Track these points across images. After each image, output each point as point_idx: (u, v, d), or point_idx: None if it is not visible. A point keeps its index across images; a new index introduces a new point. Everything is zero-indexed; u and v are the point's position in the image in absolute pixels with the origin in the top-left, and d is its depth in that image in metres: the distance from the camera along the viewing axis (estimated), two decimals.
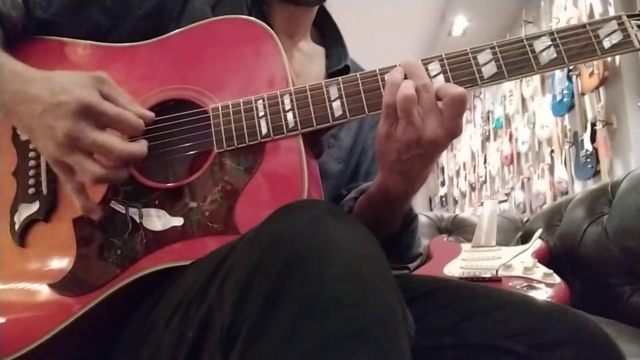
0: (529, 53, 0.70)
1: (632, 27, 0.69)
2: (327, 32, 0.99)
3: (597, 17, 2.95)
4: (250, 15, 0.86)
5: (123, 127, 0.68)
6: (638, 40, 0.69)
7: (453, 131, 0.68)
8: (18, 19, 0.77)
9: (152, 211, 0.70)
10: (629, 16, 0.70)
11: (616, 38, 0.69)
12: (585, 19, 3.12)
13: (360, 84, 0.71)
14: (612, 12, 2.82)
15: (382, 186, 0.79)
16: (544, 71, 0.70)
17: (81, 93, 0.64)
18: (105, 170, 0.66)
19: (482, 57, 0.70)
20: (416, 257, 0.90)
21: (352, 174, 0.98)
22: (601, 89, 3.05)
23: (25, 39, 0.79)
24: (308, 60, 0.93)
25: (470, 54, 0.71)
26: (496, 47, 0.70)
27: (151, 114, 0.71)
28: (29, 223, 0.72)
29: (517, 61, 0.70)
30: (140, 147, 0.69)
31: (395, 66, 0.71)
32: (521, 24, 4.12)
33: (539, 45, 0.70)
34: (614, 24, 0.69)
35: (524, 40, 0.70)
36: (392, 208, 0.83)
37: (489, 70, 0.70)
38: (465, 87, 0.68)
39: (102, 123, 0.66)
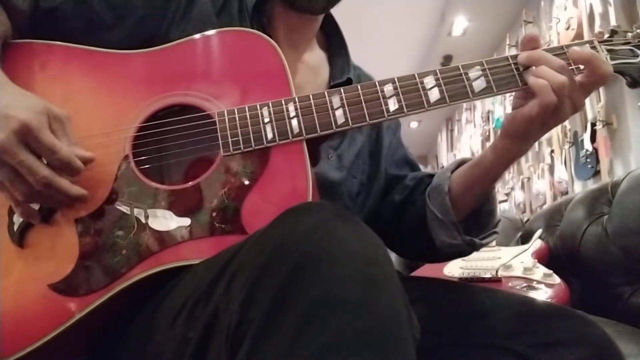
0: (514, 70, 0.76)
1: (603, 51, 0.77)
2: (332, 39, 0.99)
3: (597, 17, 2.97)
4: (251, 26, 0.87)
5: (52, 157, 0.67)
6: (608, 62, 0.76)
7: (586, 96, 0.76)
8: (26, 8, 0.79)
9: (158, 212, 0.71)
10: (600, 41, 0.79)
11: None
12: (585, 19, 3.12)
13: (361, 94, 0.76)
14: (612, 12, 2.82)
15: (507, 155, 0.81)
16: (528, 87, 0.76)
17: (28, 115, 0.65)
18: (30, 189, 0.67)
19: (473, 73, 0.76)
20: (497, 223, 0.91)
21: (371, 179, 0.98)
22: (601, 89, 3.04)
23: (31, 34, 0.80)
24: (311, 72, 0.94)
25: (461, 69, 0.76)
26: (485, 64, 0.76)
27: (90, 155, 0.71)
28: (29, 223, 0.72)
29: (503, 77, 0.76)
30: (67, 185, 0.69)
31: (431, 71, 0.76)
32: (521, 24, 4.11)
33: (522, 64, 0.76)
34: (587, 48, 0.77)
35: (509, 59, 0.77)
36: (503, 173, 0.85)
37: (479, 84, 0.76)
38: (459, 100, 0.75)
39: (36, 149, 0.66)
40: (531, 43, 0.76)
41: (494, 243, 1.72)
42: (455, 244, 0.86)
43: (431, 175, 0.95)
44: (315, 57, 0.96)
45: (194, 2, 0.87)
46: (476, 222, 0.88)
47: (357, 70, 1.02)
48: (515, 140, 0.78)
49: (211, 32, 0.81)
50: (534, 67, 0.75)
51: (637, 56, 0.78)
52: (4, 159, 0.65)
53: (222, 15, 0.89)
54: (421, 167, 1.09)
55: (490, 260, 1.59)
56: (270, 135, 0.73)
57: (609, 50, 0.78)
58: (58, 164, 0.68)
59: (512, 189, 4.44)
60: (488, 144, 5.10)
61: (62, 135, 0.69)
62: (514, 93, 0.79)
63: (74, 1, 0.82)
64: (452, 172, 0.89)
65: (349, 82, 0.92)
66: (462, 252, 0.89)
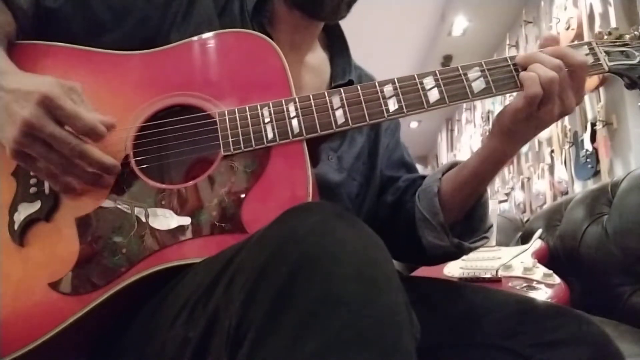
0: (513, 71, 0.76)
1: (601, 52, 0.78)
2: (333, 38, 0.99)
3: (597, 17, 2.97)
4: (251, 26, 0.88)
5: (77, 124, 0.68)
6: (606, 63, 0.78)
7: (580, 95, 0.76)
8: (28, 8, 0.79)
9: (159, 211, 0.71)
10: (598, 43, 0.79)
11: (588, 61, 0.77)
12: (585, 19, 3.12)
13: (361, 94, 0.76)
14: (612, 12, 2.82)
15: (494, 155, 0.81)
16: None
17: (46, 87, 0.67)
18: (66, 161, 0.68)
19: (472, 74, 0.76)
20: (489, 228, 0.91)
21: (368, 180, 0.98)
22: (601, 89, 3.05)
23: (34, 34, 0.80)
24: (313, 73, 0.94)
25: (460, 70, 0.77)
26: (484, 65, 0.77)
27: (112, 119, 0.72)
28: (29, 222, 0.72)
29: (502, 78, 0.76)
30: (100, 152, 0.70)
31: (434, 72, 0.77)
32: (521, 24, 4.12)
33: (521, 65, 0.76)
34: (585, 49, 0.79)
35: (508, 60, 0.77)
36: (493, 174, 0.85)
37: (478, 85, 0.76)
38: (458, 101, 0.76)
39: (59, 118, 0.67)
40: (549, 42, 0.77)
41: (493, 243, 1.73)
42: (442, 246, 0.87)
43: (424, 177, 0.95)
44: (317, 58, 0.96)
45: (195, 3, 0.87)
46: (468, 226, 0.88)
47: (359, 70, 1.02)
48: (503, 137, 0.79)
49: (211, 33, 0.81)
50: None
51: (635, 58, 0.78)
52: (34, 134, 0.66)
53: (224, 15, 0.88)
54: (421, 167, 1.09)
55: (490, 260, 1.59)
56: (270, 135, 0.74)
57: (607, 52, 0.78)
58: (83, 130, 0.68)
59: (512, 189, 4.44)
60: None
61: (80, 104, 0.70)
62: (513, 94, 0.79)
63: (74, 2, 0.82)
64: (444, 173, 0.89)
65: (350, 83, 0.92)
66: (450, 254, 0.89)
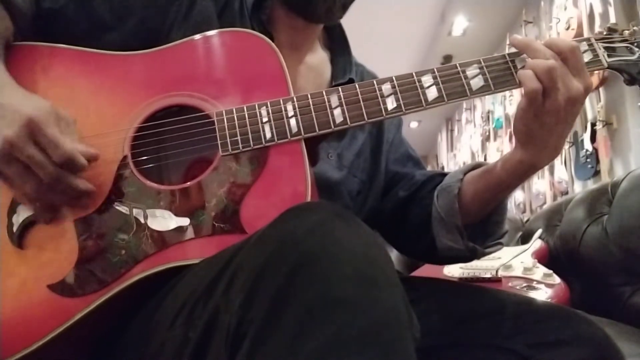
0: (512, 68, 0.76)
1: (600, 49, 0.78)
2: (334, 37, 0.99)
3: (597, 17, 2.97)
4: (250, 24, 0.88)
5: (56, 152, 0.67)
6: (605, 59, 0.78)
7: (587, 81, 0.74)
8: (27, 8, 0.79)
9: (157, 212, 0.71)
10: (597, 39, 0.79)
11: (587, 57, 0.77)
12: (585, 19, 3.12)
13: (359, 93, 0.76)
14: (612, 12, 2.82)
15: (521, 167, 0.78)
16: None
17: (34, 112, 0.66)
18: (40, 185, 0.67)
19: (470, 71, 0.76)
20: (503, 234, 0.90)
21: (371, 177, 0.97)
22: (601, 89, 3.05)
23: (33, 35, 0.80)
24: (313, 74, 0.93)
25: (459, 67, 0.76)
26: (482, 62, 0.77)
27: (95, 152, 0.71)
28: (28, 225, 0.72)
29: (501, 75, 0.76)
30: (76, 179, 0.69)
31: (432, 70, 0.76)
32: (521, 24, 4.12)
33: (519, 62, 0.77)
34: (584, 45, 0.78)
35: (507, 57, 0.77)
36: (518, 184, 0.83)
37: (476, 83, 0.76)
38: (456, 99, 0.75)
39: (41, 144, 0.67)
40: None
41: None
42: (456, 248, 0.86)
43: (442, 175, 0.94)
44: (317, 58, 0.96)
45: (195, 3, 0.87)
46: (482, 229, 0.87)
47: (360, 68, 1.02)
48: (523, 146, 0.77)
49: (210, 32, 0.81)
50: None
51: (635, 54, 0.78)
52: (13, 154, 0.65)
53: (224, 15, 0.88)
54: None
55: (490, 260, 1.59)
56: (268, 135, 0.73)
57: (606, 48, 0.78)
58: (62, 160, 0.67)
59: None
60: (488, 144, 5.14)
61: (67, 134, 0.69)
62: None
63: (75, 2, 0.82)
64: (465, 174, 0.88)
65: (350, 82, 0.92)
66: (462, 257, 0.89)
